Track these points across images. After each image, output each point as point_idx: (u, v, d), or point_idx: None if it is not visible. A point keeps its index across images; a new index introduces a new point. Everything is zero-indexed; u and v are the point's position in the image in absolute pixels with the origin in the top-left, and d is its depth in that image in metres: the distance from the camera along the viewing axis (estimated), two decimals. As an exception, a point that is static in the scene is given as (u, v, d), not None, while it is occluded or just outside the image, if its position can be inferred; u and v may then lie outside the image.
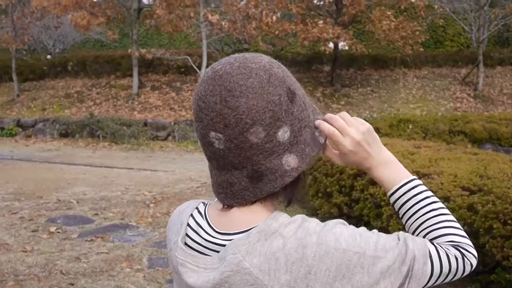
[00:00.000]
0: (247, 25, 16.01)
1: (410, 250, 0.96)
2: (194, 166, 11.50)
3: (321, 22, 16.68)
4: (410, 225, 1.07)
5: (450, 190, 4.34)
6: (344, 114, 1.07)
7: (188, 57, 17.20)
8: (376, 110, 16.70)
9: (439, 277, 0.99)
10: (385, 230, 4.94)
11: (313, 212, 6.60)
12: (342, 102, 17.43)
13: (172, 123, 16.39)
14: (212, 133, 0.94)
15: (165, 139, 16.16)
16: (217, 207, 1.03)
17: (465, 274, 1.02)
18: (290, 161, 0.96)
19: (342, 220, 1.00)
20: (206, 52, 16.79)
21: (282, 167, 0.96)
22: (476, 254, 1.02)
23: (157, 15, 18.01)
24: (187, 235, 1.04)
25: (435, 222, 1.04)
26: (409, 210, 1.06)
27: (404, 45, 17.25)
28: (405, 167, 4.23)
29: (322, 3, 18.80)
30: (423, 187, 1.08)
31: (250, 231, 0.94)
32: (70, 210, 7.09)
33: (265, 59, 0.98)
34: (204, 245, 1.01)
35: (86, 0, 18.60)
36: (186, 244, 1.03)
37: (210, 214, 1.05)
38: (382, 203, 4.85)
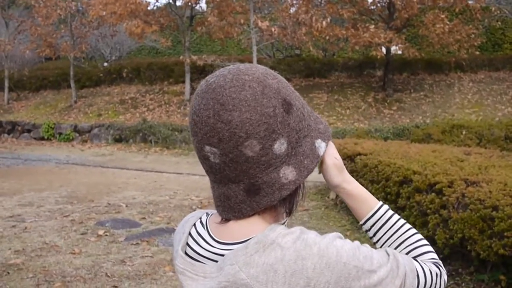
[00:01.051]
0: (297, 31, 16.00)
1: (401, 265, 0.98)
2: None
3: (372, 26, 16.47)
4: (385, 243, 1.12)
5: (498, 199, 4.17)
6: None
7: (238, 63, 17.29)
8: (429, 116, 16.31)
9: None
10: (431, 239, 4.81)
11: (358, 220, 6.50)
12: (394, 107, 17.12)
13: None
14: (207, 148, 0.93)
15: (215, 144, 16.29)
16: (216, 220, 1.03)
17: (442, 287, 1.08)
18: (288, 173, 0.95)
19: (339, 234, 0.98)
20: (257, 58, 16.86)
21: (279, 180, 0.94)
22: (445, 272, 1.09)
23: (209, 22, 18.26)
24: (188, 244, 1.04)
25: (412, 241, 1.09)
26: (385, 234, 1.11)
27: (459, 48, 16.81)
28: (452, 174, 4.08)
29: (374, 7, 18.57)
30: (391, 212, 1.13)
31: (248, 241, 0.93)
32: (119, 214, 7.25)
33: (260, 70, 0.97)
34: (203, 254, 1.00)
35: (140, 9, 19.04)
36: (186, 253, 1.04)
37: (211, 224, 1.04)
38: (428, 211, 4.72)
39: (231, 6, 18.75)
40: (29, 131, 20.16)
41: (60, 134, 19.06)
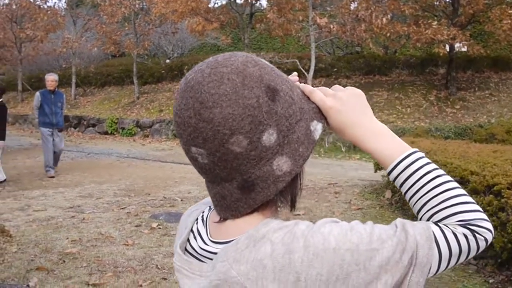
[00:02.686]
0: (356, 28, 15.77)
1: (410, 236, 0.85)
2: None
3: (435, 23, 16.00)
4: (414, 204, 0.96)
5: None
6: (335, 86, 1.02)
7: (296, 60, 17.27)
8: (494, 115, 15.70)
9: (450, 259, 0.89)
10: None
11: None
12: (457, 106, 16.59)
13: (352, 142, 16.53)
14: (193, 149, 0.89)
15: (273, 141, 16.31)
16: (214, 219, 0.99)
17: (480, 251, 0.91)
18: (282, 164, 0.89)
19: (334, 218, 0.90)
20: (316, 55, 16.74)
21: (273, 173, 0.89)
22: (490, 227, 0.90)
23: (268, 19, 18.28)
24: (188, 240, 1.02)
25: (439, 201, 0.91)
26: (411, 188, 0.95)
27: (528, 45, 16.11)
28: (511, 175, 3.84)
29: (438, 3, 18.04)
30: (425, 160, 0.96)
31: (239, 237, 0.89)
32: (173, 208, 7.38)
33: (239, 58, 0.90)
34: (200, 252, 0.98)
35: (201, 6, 19.29)
36: (186, 249, 1.02)
37: (211, 222, 1.01)
38: (486, 213, 4.52)
39: (291, 3, 18.70)
40: (94, 125, 20.86)
41: (123, 128, 19.60)
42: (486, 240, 0.89)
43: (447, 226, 0.90)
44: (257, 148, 0.87)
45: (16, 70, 26.40)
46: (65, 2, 29.11)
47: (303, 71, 16.83)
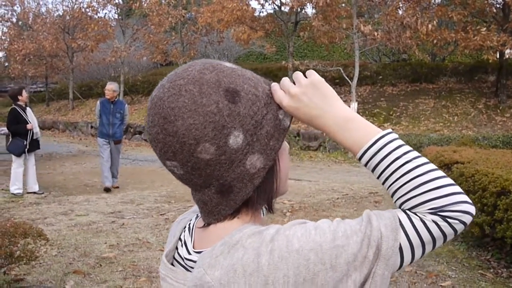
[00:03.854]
0: (402, 35, 15.53)
1: (374, 229, 0.83)
2: (340, 177, 11.41)
3: (484, 29, 15.58)
4: (388, 189, 0.92)
5: None
6: (296, 73, 0.97)
7: (340, 68, 17.15)
8: (547, 124, 15.14)
9: (424, 246, 0.86)
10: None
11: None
12: (507, 115, 16.07)
13: (324, 134, 16.43)
14: (168, 162, 0.92)
15: (316, 149, 16.25)
16: (199, 224, 1.01)
17: (458, 233, 0.87)
18: (255, 162, 0.90)
19: (302, 220, 0.89)
20: (360, 62, 16.58)
21: (248, 172, 0.90)
22: (466, 208, 0.85)
23: (313, 27, 18.24)
24: (177, 248, 1.03)
25: (410, 188, 0.87)
26: (383, 174, 0.90)
27: None
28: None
29: (488, 9, 17.57)
30: (397, 143, 0.90)
31: (215, 244, 0.90)
32: (211, 215, 7.41)
33: (197, 67, 0.91)
34: (186, 262, 0.99)
35: (246, 15, 19.42)
36: (174, 258, 1.02)
37: (196, 229, 1.02)
38: (527, 225, 4.38)
39: (336, 11, 18.59)
40: (140, 133, 21.26)
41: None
42: (463, 222, 0.86)
43: (416, 214, 0.86)
44: (225, 152, 0.88)
45: (68, 79, 27.26)
46: (115, 12, 29.93)
47: (347, 79, 16.68)
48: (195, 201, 0.99)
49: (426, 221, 0.85)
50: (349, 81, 16.71)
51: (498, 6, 17.33)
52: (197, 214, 1.07)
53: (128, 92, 25.42)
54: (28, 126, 8.96)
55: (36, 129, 9.16)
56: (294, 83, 0.96)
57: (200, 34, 23.13)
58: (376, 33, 15.43)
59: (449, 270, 5.03)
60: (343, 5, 19.62)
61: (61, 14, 27.62)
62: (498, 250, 5.33)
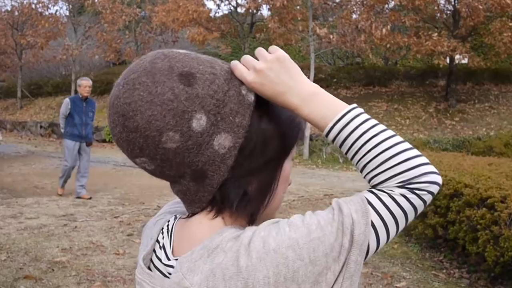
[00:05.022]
0: (356, 38, 15.78)
1: (346, 216, 0.82)
2: (295, 179, 11.40)
3: (435, 34, 16.02)
4: (356, 165, 0.90)
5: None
6: (259, 49, 0.94)
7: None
8: (493, 128, 15.67)
9: (397, 222, 0.85)
10: (482, 256, 4.57)
11: (407, 233, 6.30)
12: (457, 118, 16.56)
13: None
14: (137, 160, 0.89)
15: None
16: (181, 222, 0.98)
17: (426, 204, 0.87)
18: (223, 141, 0.87)
19: (275, 219, 0.87)
20: (315, 65, 16.75)
21: (218, 153, 0.87)
22: (433, 178, 0.85)
23: (269, 29, 18.33)
24: (155, 251, 0.99)
25: (377, 164, 0.86)
26: (350, 149, 0.89)
27: (528, 58, 16.11)
28: (506, 189, 3.77)
29: (439, 15, 18.08)
30: (363, 117, 0.89)
31: (194, 248, 0.87)
32: (167, 217, 7.32)
33: (148, 58, 0.89)
34: (164, 267, 0.95)
35: (202, 16, 19.34)
36: (152, 261, 0.98)
37: (176, 232, 0.98)
38: (479, 226, 4.49)
39: (292, 13, 18.75)
40: (92, 133, 20.81)
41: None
42: (431, 192, 0.85)
43: (383, 191, 0.86)
44: (191, 137, 0.85)
45: (16, 77, 26.45)
46: (66, 9, 29.23)
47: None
48: (175, 193, 0.96)
49: (395, 196, 0.85)
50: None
51: (448, 13, 17.84)
52: (175, 215, 1.03)
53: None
54: None
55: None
56: (256, 59, 0.93)
57: (154, 33, 22.89)
58: (331, 36, 15.62)
59: (403, 271, 5.12)
60: (298, 7, 19.80)
61: (9, 9, 26.78)
62: (450, 251, 5.47)
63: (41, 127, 22.55)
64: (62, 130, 9.07)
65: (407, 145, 0.87)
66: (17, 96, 26.28)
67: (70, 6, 26.57)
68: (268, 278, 0.79)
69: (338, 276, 0.81)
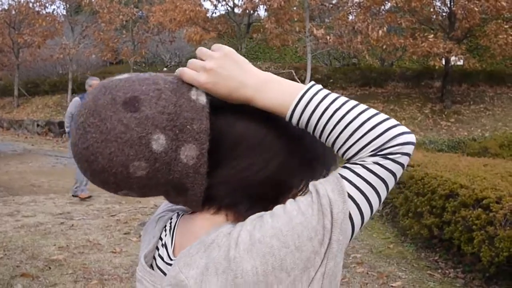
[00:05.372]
0: (353, 39, 15.83)
1: (323, 196, 0.82)
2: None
3: (431, 36, 16.07)
4: (326, 142, 0.88)
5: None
6: (200, 49, 0.94)
7: (292, 71, 17.31)
8: (488, 129, 15.73)
9: (377, 192, 0.84)
10: (477, 256, 4.61)
11: (403, 233, 6.33)
12: (452, 120, 16.62)
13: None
14: (119, 193, 0.90)
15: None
16: (185, 218, 0.99)
17: (404, 167, 0.85)
18: (189, 152, 0.86)
19: (259, 213, 0.86)
20: (312, 66, 16.78)
21: (188, 165, 0.86)
22: (404, 139, 0.83)
23: (266, 29, 18.36)
24: (157, 248, 1.00)
25: (346, 137, 0.84)
26: (316, 128, 0.86)
27: (523, 60, 16.19)
28: (501, 190, 3.80)
29: (434, 17, 18.13)
30: (322, 94, 0.87)
31: (193, 243, 0.88)
32: (164, 216, 7.33)
33: (90, 96, 0.88)
34: (165, 266, 0.96)
35: (199, 16, 19.35)
36: (154, 258, 0.99)
37: (178, 229, 0.99)
38: (474, 227, 4.52)
39: (289, 14, 18.78)
40: (88, 132, 20.79)
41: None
42: (405, 154, 0.84)
43: (357, 163, 0.84)
44: (156, 159, 0.85)
45: (13, 76, 26.37)
46: (63, 8, 29.19)
47: (299, 81, 16.84)
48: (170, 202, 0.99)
49: (368, 166, 0.83)
50: (300, 83, 16.89)
51: (444, 14, 17.90)
52: (178, 213, 1.03)
53: (76, 90, 24.79)
54: None
55: None
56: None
57: (151, 33, 22.87)
58: (328, 37, 15.65)
59: (399, 270, 5.15)
60: (295, 8, 19.84)
61: (6, 8, 26.71)
62: (445, 251, 5.50)
63: (38, 125, 22.50)
64: (67, 129, 8.81)
65: (372, 111, 0.85)
66: (14, 94, 26.18)
67: (67, 5, 26.54)
68: (256, 268, 0.79)
69: (323, 258, 0.81)
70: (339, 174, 0.85)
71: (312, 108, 0.86)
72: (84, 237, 6.08)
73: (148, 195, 0.92)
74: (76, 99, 8.61)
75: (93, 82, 8.40)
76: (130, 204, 8.20)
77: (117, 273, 4.89)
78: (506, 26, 15.62)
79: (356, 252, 5.64)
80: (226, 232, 0.85)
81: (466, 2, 15.33)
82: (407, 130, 0.84)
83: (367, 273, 5.03)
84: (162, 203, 1.13)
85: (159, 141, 0.84)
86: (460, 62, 18.21)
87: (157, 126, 0.84)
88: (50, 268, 4.97)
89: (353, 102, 0.86)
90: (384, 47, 16.53)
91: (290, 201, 0.85)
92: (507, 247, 4.07)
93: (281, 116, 0.89)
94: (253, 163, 0.90)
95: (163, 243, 0.99)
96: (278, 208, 0.84)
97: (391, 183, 0.85)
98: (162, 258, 0.97)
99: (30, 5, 24.51)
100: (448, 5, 17.21)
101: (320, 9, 18.68)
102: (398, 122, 0.85)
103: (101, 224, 6.76)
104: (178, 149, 0.86)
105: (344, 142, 0.84)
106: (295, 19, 19.19)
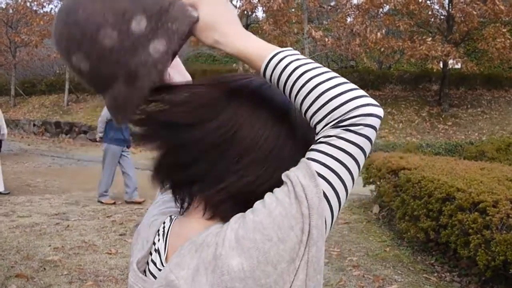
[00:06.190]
0: (351, 42, 15.84)
1: (295, 184, 0.80)
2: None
3: (429, 39, 16.10)
4: (295, 105, 0.87)
5: (545, 221, 3.95)
6: None
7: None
8: (486, 133, 15.76)
9: (348, 168, 0.81)
10: (473, 260, 4.60)
11: (399, 236, 6.32)
12: (449, 123, 16.64)
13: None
14: (73, 58, 0.89)
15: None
16: (177, 222, 0.97)
17: (372, 138, 0.81)
18: (158, 46, 0.87)
19: (241, 213, 0.84)
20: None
21: (152, 57, 0.86)
22: (367, 110, 0.80)
23: (264, 31, 18.34)
24: (150, 253, 0.98)
25: (311, 101, 0.82)
26: (286, 87, 0.85)
27: (521, 64, 16.23)
28: (498, 194, 3.82)
29: (433, 20, 18.17)
30: (297, 55, 0.87)
31: (184, 244, 0.87)
32: (160, 217, 7.31)
33: None
34: (156, 272, 0.95)
35: (197, 16, 19.33)
36: (147, 263, 0.97)
37: (172, 234, 0.97)
38: (471, 230, 4.51)
39: (287, 16, 18.78)
40: (85, 132, 20.77)
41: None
42: (368, 125, 0.81)
43: (321, 142, 0.82)
44: (128, 37, 0.85)
45: (10, 75, 26.32)
46: (61, 8, 29.09)
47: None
48: (107, 105, 0.95)
49: (331, 142, 0.81)
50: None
51: (442, 18, 17.93)
52: (170, 216, 1.01)
53: (73, 90, 24.80)
54: None
55: (4, 131, 8.95)
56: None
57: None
58: (326, 39, 15.66)
59: (395, 274, 5.14)
60: (293, 10, 19.84)
61: (3, 7, 26.67)
62: (442, 255, 5.49)
63: (34, 125, 22.46)
64: (101, 134, 8.56)
65: (340, 79, 0.83)
66: (10, 94, 26.16)
67: (65, 5, 26.45)
68: (242, 264, 0.78)
69: (305, 246, 0.79)
70: (307, 158, 0.83)
71: (285, 64, 0.85)
72: (80, 238, 6.05)
73: (97, 75, 0.90)
74: None
75: None
76: (125, 205, 8.19)
77: (113, 274, 4.86)
78: (504, 30, 15.67)
79: (352, 255, 5.63)
80: (215, 231, 0.85)
81: (465, 6, 15.37)
82: (372, 102, 0.82)
83: (363, 276, 5.02)
84: (151, 206, 1.11)
85: (140, 23, 0.86)
86: (458, 66, 18.26)
87: (145, 10, 0.86)
88: (45, 269, 4.94)
89: (325, 68, 0.85)
90: (382, 49, 16.56)
91: (268, 194, 0.83)
92: (503, 251, 4.06)
93: (254, 67, 0.89)
94: (260, 175, 0.88)
95: (156, 248, 0.97)
96: (257, 203, 0.83)
97: (360, 157, 0.82)
98: (155, 264, 0.96)
99: (28, 4, 24.47)
100: (446, 8, 17.25)
101: (318, 11, 18.70)
102: (364, 93, 0.82)
103: (97, 225, 6.73)
104: (151, 40, 0.87)
105: (309, 106, 0.83)
106: (293, 21, 19.19)
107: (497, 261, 4.16)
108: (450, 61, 17.17)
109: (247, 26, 20.45)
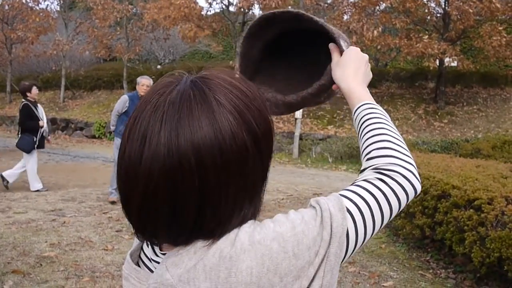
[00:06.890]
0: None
1: (324, 210, 0.86)
2: (284, 178, 11.50)
3: (426, 37, 16.12)
4: (358, 136, 1.14)
5: (540, 218, 3.98)
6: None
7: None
8: (481, 130, 15.81)
9: (381, 209, 0.93)
10: (468, 256, 4.63)
11: (395, 233, 6.35)
12: (445, 120, 16.68)
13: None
14: None
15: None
16: None
17: (410, 196, 0.98)
18: None
19: (257, 221, 0.88)
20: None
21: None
22: (405, 173, 0.98)
23: (260, 28, 18.32)
24: (142, 248, 0.99)
25: (371, 146, 1.06)
26: (357, 130, 1.14)
27: (517, 62, 16.28)
28: (493, 191, 3.86)
29: (429, 18, 18.19)
30: (371, 110, 1.13)
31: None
32: (156, 214, 7.31)
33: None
34: (151, 263, 0.95)
35: (194, 13, 19.29)
36: (140, 257, 0.98)
37: None
38: (466, 227, 4.54)
39: (283, 13, 18.74)
40: (81, 129, 20.74)
41: (111, 133, 19.50)
42: (405, 177, 0.97)
43: (355, 184, 0.96)
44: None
45: (5, 71, 26.25)
46: (57, 4, 29.08)
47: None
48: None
49: (370, 181, 0.96)
50: None
51: (438, 15, 17.96)
52: None
53: (69, 87, 24.75)
54: (41, 123, 8.90)
55: (45, 127, 8.98)
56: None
57: (146, 30, 22.81)
58: (322, 37, 15.66)
59: (391, 270, 5.16)
60: (290, 7, 19.82)
61: None
62: (437, 252, 5.52)
63: (30, 122, 22.39)
64: (113, 128, 8.41)
65: (404, 145, 1.07)
66: (6, 90, 26.08)
67: (61, 1, 26.43)
68: (251, 268, 0.79)
69: (318, 269, 0.82)
70: (340, 194, 0.92)
71: (367, 112, 1.12)
72: (76, 234, 6.06)
73: None
74: (125, 97, 8.28)
75: (143, 80, 8.04)
76: (122, 202, 8.16)
77: (109, 270, 4.87)
78: (500, 28, 15.70)
79: (348, 252, 5.65)
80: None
81: (461, 4, 15.40)
82: (416, 173, 1.01)
83: (359, 273, 5.04)
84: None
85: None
86: (454, 63, 18.28)
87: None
88: (41, 265, 4.94)
89: (388, 126, 1.11)
90: (379, 47, 16.58)
91: (292, 211, 0.88)
92: (498, 248, 4.08)
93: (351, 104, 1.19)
94: (256, 206, 0.90)
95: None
96: (280, 215, 0.87)
97: (394, 209, 0.95)
98: (147, 256, 0.97)
99: (24, 0, 24.38)
100: (443, 6, 17.27)
101: (315, 9, 18.69)
102: (415, 168, 1.02)
103: (93, 222, 6.73)
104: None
105: (367, 145, 1.06)
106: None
107: (492, 258, 4.19)
108: (446, 59, 17.20)
109: (243, 24, 20.44)
